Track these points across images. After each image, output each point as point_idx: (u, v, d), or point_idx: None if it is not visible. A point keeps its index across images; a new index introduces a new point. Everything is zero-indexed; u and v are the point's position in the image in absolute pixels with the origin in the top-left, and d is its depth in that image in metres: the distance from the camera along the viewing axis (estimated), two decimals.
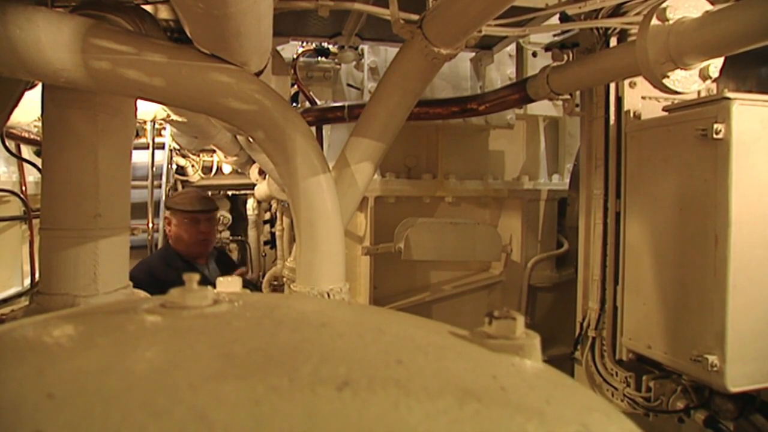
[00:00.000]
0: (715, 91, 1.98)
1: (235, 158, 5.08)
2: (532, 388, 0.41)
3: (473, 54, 2.98)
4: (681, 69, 1.41)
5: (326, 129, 3.02)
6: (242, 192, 7.78)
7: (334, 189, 1.59)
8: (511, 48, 3.02)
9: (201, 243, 2.75)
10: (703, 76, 1.44)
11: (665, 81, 1.41)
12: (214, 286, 2.27)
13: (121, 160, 1.59)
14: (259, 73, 1.58)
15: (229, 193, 8.17)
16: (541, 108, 3.02)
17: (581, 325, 2.04)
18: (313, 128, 3.11)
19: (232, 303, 0.48)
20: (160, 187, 4.00)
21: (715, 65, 1.44)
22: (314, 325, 0.44)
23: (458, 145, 3.05)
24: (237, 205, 8.53)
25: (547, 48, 2.57)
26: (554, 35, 2.58)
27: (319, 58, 3.06)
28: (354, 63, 3.06)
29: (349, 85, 3.13)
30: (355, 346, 0.40)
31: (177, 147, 4.86)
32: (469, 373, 0.40)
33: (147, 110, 3.13)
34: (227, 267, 3.00)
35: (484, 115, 2.87)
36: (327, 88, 3.16)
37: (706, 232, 1.52)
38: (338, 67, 3.11)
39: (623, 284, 1.85)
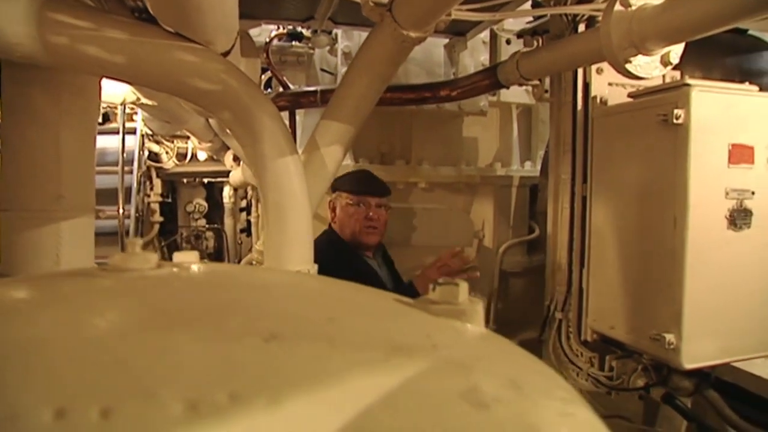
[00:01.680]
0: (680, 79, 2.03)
1: (209, 144, 5.01)
2: (466, 346, 0.42)
3: (447, 40, 2.99)
4: (643, 55, 1.44)
5: (300, 114, 3.00)
6: (218, 179, 7.69)
7: (302, 171, 1.59)
8: (485, 35, 3.03)
9: (369, 232, 2.26)
10: (664, 62, 1.47)
11: (628, 66, 1.43)
12: (384, 286, 2.18)
13: (85, 141, 1.56)
14: (226, 54, 1.56)
15: (205, 180, 8.07)
16: (515, 95, 3.05)
17: (548, 307, 2.09)
18: (286, 113, 3.10)
19: (176, 267, 0.48)
20: (131, 173, 3.93)
21: (675, 52, 1.47)
22: (253, 287, 0.45)
23: (432, 132, 3.06)
24: (213, 192, 8.43)
25: (519, 35, 2.59)
26: (527, 22, 2.60)
27: (293, 43, 3.04)
28: (328, 48, 3.04)
29: (323, 70, 3.11)
30: (290, 306, 0.40)
31: (150, 133, 4.79)
32: (403, 332, 0.41)
33: (116, 93, 3.07)
34: (391, 264, 2.50)
35: (457, 102, 2.89)
36: (301, 73, 3.13)
37: (666, 216, 1.56)
38: (312, 51, 3.08)
39: (588, 267, 1.89)
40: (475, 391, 0.33)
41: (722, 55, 2.90)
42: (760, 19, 2.14)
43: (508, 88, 3.01)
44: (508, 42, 3.05)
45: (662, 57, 1.47)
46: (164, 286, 0.43)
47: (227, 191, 7.57)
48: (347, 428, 0.27)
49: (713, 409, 1.74)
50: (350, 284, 0.60)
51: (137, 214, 3.89)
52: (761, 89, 1.67)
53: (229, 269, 0.57)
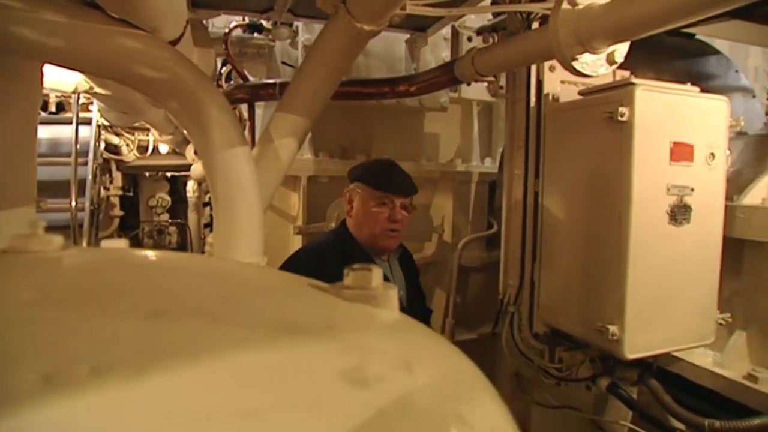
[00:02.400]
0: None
1: (170, 137, 4.90)
2: (365, 329, 0.42)
3: (408, 36, 3.00)
4: (589, 53, 1.47)
5: (260, 107, 2.96)
6: (182, 173, 7.53)
7: (251, 161, 1.57)
8: (447, 32, 3.05)
9: (390, 236, 1.95)
10: (610, 60, 1.51)
11: (574, 63, 1.46)
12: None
13: (25, 129, 1.51)
14: (175, 42, 1.53)
15: (168, 174, 7.88)
16: (476, 92, 3.08)
17: (501, 301, 2.12)
18: (246, 105, 3.06)
19: (81, 250, 0.47)
20: (85, 164, 3.81)
21: (620, 51, 1.51)
22: (156, 269, 0.44)
23: (393, 127, 3.07)
24: (177, 187, 8.25)
25: (479, 32, 2.62)
26: (488, 20, 2.63)
27: (255, 35, 3.01)
28: (289, 40, 3.01)
29: (283, 62, 3.08)
30: (187, 286, 0.40)
31: (108, 124, 4.65)
32: (301, 313, 0.41)
33: (67, 81, 2.97)
34: (412, 269, 2.23)
35: (417, 97, 2.90)
36: (262, 66, 3.10)
37: (611, 210, 1.60)
38: (273, 44, 3.05)
39: (540, 261, 1.93)
40: (357, 370, 0.33)
41: (673, 59, 2.99)
42: (699, 21, 2.22)
43: (464, 83, 3.07)
44: (469, 39, 3.07)
45: (608, 56, 1.51)
46: (60, 267, 0.42)
47: (191, 185, 7.41)
48: (211, 403, 0.26)
49: (654, 397, 1.80)
50: (275, 271, 0.59)
51: (92, 207, 3.77)
52: (703, 91, 1.73)
53: (140, 254, 0.56)
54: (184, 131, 2.49)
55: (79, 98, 3.57)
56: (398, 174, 2.00)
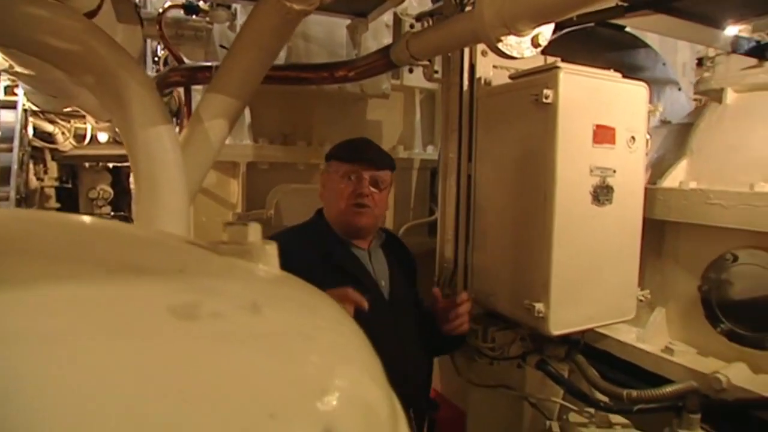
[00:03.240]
0: None
1: (107, 124, 4.68)
2: (222, 275, 0.41)
3: (349, 21, 2.98)
4: (514, 35, 1.50)
5: (197, 91, 2.88)
6: (125, 164, 7.22)
7: (177, 141, 1.52)
8: (389, 18, 3.04)
9: (356, 211, 1.70)
10: (534, 43, 1.54)
11: (500, 45, 1.49)
12: (375, 287, 1.73)
13: None
14: (91, 15, 1.46)
15: (110, 165, 7.55)
16: (418, 80, 3.09)
17: (437, 283, 2.14)
18: (182, 89, 2.97)
19: None
20: (10, 151, 3.60)
21: (544, 35, 1.54)
22: (27, 221, 0.41)
23: (335, 113, 3.05)
24: (120, 178, 7.93)
25: (418, 18, 2.62)
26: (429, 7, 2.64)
27: (193, 17, 2.92)
28: (227, 23, 2.94)
29: (222, 46, 3.00)
30: (46, 234, 0.37)
31: (37, 109, 4.41)
32: (154, 259, 0.39)
33: None
34: (403, 260, 1.91)
35: (358, 84, 2.90)
36: (199, 49, 3.01)
37: (538, 191, 1.64)
38: (211, 27, 2.97)
39: (473, 243, 1.96)
40: (191, 307, 0.32)
41: (606, 50, 3.10)
42: (624, 12, 2.30)
43: (407, 71, 3.08)
44: (411, 26, 3.08)
45: (533, 39, 1.54)
46: None
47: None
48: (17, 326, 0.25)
49: (580, 371, 1.87)
50: (166, 232, 0.57)
51: (18, 197, 3.57)
52: (624, 77, 1.80)
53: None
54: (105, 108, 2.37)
55: None
56: (370, 147, 1.82)
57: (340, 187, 1.73)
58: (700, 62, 4.45)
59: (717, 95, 2.11)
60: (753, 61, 2.30)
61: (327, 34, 2.96)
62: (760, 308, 1.79)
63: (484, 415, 2.30)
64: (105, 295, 0.30)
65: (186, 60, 2.80)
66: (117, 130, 4.19)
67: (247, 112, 2.88)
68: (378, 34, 3.08)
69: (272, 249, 0.52)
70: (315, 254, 1.63)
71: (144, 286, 0.33)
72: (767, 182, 1.76)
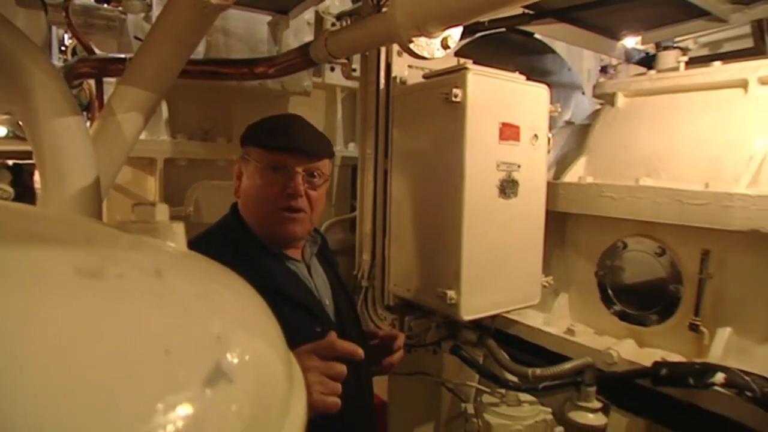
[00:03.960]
0: None
1: (6, 116, 4.38)
2: (127, 247, 0.44)
3: (270, 18, 2.98)
4: (425, 37, 1.58)
5: (110, 85, 2.77)
6: (28, 161, 6.72)
7: (87, 133, 1.47)
8: (310, 16, 3.07)
9: (286, 218, 1.37)
10: (444, 45, 1.63)
11: (411, 46, 1.57)
12: (318, 305, 1.40)
13: None
14: None
15: (9, 162, 6.99)
16: (339, 78, 3.14)
17: (356, 277, 2.20)
18: (95, 82, 2.85)
19: None
20: None
21: (453, 37, 1.64)
22: None
23: (256, 110, 3.01)
24: (21, 177, 7.36)
25: (338, 17, 2.67)
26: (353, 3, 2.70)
27: (105, 5, 2.81)
28: (142, 14, 2.85)
29: (136, 38, 2.90)
30: None
31: None
32: (62, 233, 0.42)
33: None
34: (334, 265, 1.66)
35: (279, 81, 2.90)
36: (112, 39, 2.90)
37: (448, 185, 1.74)
38: (124, 17, 2.86)
39: (390, 236, 2.04)
40: (96, 269, 0.35)
41: (516, 55, 3.30)
42: (529, 20, 2.47)
43: (329, 69, 3.12)
44: (333, 25, 3.13)
45: (442, 40, 1.63)
46: None
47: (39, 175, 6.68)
48: None
49: (491, 354, 2.00)
50: (77, 215, 0.58)
51: None
52: (529, 79, 1.94)
53: None
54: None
55: None
56: (301, 128, 1.43)
57: (262, 184, 1.36)
58: (603, 69, 4.82)
59: (610, 99, 2.31)
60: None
61: (247, 30, 2.94)
62: (644, 290, 2.00)
63: (405, 402, 2.40)
64: (15, 258, 0.33)
65: (97, 51, 2.69)
66: (20, 123, 3.93)
67: (164, 106, 2.81)
68: (299, 31, 3.10)
69: (179, 228, 0.55)
70: (244, 271, 1.26)
71: (52, 252, 0.36)
72: (650, 177, 1.97)
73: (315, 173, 1.40)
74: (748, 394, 1.48)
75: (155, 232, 0.52)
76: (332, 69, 3.15)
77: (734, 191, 1.68)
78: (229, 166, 2.94)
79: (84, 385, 0.26)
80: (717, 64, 1.98)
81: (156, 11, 2.82)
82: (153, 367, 0.29)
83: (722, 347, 1.76)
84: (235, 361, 0.34)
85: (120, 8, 2.79)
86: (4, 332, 0.26)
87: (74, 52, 3.08)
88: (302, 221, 1.38)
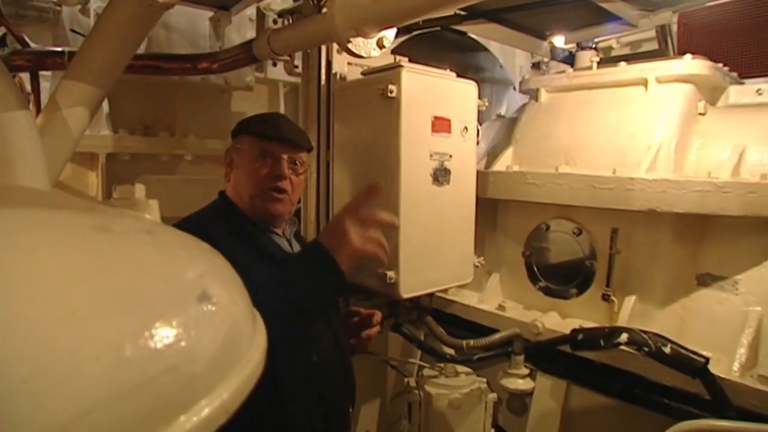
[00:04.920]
0: None
1: None
2: (119, 214, 0.55)
3: (212, 13, 3.02)
4: (362, 37, 1.72)
5: (46, 80, 2.73)
6: None
7: (34, 126, 1.51)
8: (252, 12, 3.13)
9: (273, 197, 1.56)
10: (380, 44, 1.78)
11: (349, 46, 1.70)
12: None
13: None
14: None
15: None
16: (281, 73, 3.21)
17: None
18: (29, 75, 2.80)
19: None
20: None
21: (388, 37, 1.79)
22: None
23: (199, 104, 3.07)
24: None
25: (280, 14, 2.76)
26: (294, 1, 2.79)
27: None
28: (79, 6, 2.83)
29: (73, 30, 2.87)
30: None
31: None
32: (69, 203, 0.52)
33: None
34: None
35: (222, 76, 2.96)
36: (46, 31, 2.85)
37: (386, 174, 1.88)
38: (59, 8, 2.83)
39: None
40: (106, 227, 0.47)
41: (451, 52, 3.48)
42: (460, 20, 2.65)
43: (271, 64, 3.20)
44: (275, 21, 3.20)
45: (378, 40, 1.77)
46: None
47: None
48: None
49: (429, 330, 2.17)
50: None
51: None
52: (471, 79, 2.11)
53: None
54: None
55: None
56: (287, 123, 1.66)
57: (253, 168, 1.55)
58: (535, 65, 5.12)
59: (534, 94, 2.53)
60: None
61: (189, 25, 2.97)
62: (565, 267, 2.22)
63: None
64: (50, 218, 0.44)
65: (31, 43, 2.66)
66: None
67: (104, 101, 2.80)
68: (241, 27, 3.15)
69: (155, 203, 0.66)
70: (236, 238, 1.48)
71: (72, 215, 0.47)
72: (568, 164, 2.19)
73: (297, 162, 1.62)
74: (645, 349, 1.71)
75: (135, 207, 0.63)
76: (274, 64, 3.22)
77: (635, 176, 1.92)
78: (172, 161, 2.98)
79: (117, 295, 0.38)
80: (623, 64, 2.22)
81: (94, 4, 2.81)
82: (161, 288, 0.41)
83: (628, 313, 2.00)
84: (215, 290, 0.46)
85: (54, 0, 2.75)
86: (52, 266, 0.38)
87: (4, 43, 3.01)
88: (285, 201, 1.60)
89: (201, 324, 0.42)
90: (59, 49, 2.57)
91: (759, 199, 1.77)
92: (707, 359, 1.66)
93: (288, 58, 2.22)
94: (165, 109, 3.01)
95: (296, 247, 1.70)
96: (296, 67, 2.26)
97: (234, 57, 2.40)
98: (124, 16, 1.78)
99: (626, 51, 4.26)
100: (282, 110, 3.35)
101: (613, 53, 4.17)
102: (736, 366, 1.71)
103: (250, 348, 0.50)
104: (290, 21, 2.26)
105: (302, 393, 1.46)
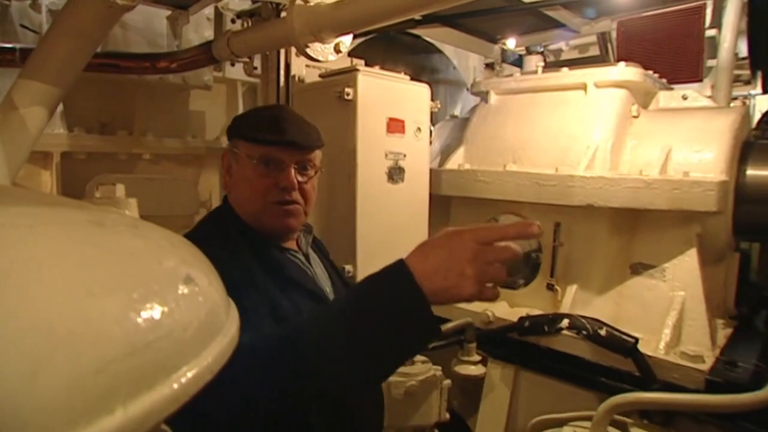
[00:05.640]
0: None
1: None
2: (108, 211, 0.63)
3: (170, 12, 3.02)
4: (320, 42, 1.80)
5: None
6: None
7: None
8: (210, 12, 3.15)
9: (281, 212, 1.32)
10: (337, 49, 1.87)
11: (308, 50, 1.78)
12: (321, 293, 1.32)
13: None
14: None
15: None
16: (239, 73, 3.25)
17: None
18: None
19: None
20: None
21: (344, 42, 1.88)
22: None
23: (157, 103, 3.07)
24: None
25: (239, 15, 2.81)
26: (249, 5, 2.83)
27: None
28: (29, 1, 2.79)
29: (23, 26, 2.83)
30: None
31: None
32: (61, 201, 0.60)
33: None
34: (327, 256, 1.61)
35: (180, 75, 2.97)
36: None
37: (344, 173, 1.98)
38: (8, 3, 2.78)
39: None
40: (99, 221, 0.54)
41: (407, 54, 3.60)
42: (414, 24, 2.76)
43: (229, 64, 3.23)
44: (233, 21, 3.23)
45: (335, 45, 1.86)
46: None
47: None
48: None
49: None
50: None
51: None
52: (426, 82, 2.23)
53: None
54: None
55: None
56: (290, 120, 1.37)
57: (254, 178, 1.30)
58: (490, 65, 5.30)
59: (485, 96, 2.67)
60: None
61: (146, 24, 2.97)
62: (513, 259, 2.37)
63: None
64: (52, 215, 0.51)
65: None
66: None
67: None
68: (199, 26, 3.17)
69: (134, 201, 0.74)
70: (255, 262, 1.25)
71: (69, 211, 0.55)
72: (515, 163, 2.34)
73: (307, 165, 1.37)
74: (584, 333, 1.88)
75: (117, 204, 0.71)
76: (233, 64, 3.25)
77: (575, 174, 2.08)
78: (130, 159, 2.98)
79: (123, 276, 0.46)
80: (565, 70, 2.38)
81: (46, 0, 2.78)
82: (155, 271, 0.50)
83: (570, 300, 2.17)
84: (196, 274, 0.55)
85: None
86: (54, 257, 0.46)
87: None
88: (297, 213, 1.35)
89: (188, 301, 0.51)
90: (9, 45, 2.54)
91: (682, 194, 1.95)
92: (637, 340, 1.83)
93: (247, 59, 2.28)
94: (122, 107, 3.00)
95: (314, 260, 1.47)
96: (255, 68, 2.32)
97: (193, 57, 2.44)
98: (84, 16, 1.80)
99: (575, 53, 4.49)
100: (240, 109, 3.38)
101: (563, 56, 4.40)
102: (662, 345, 1.88)
103: (227, 323, 0.59)
104: (249, 23, 2.32)
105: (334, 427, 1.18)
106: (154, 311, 0.44)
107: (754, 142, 2.19)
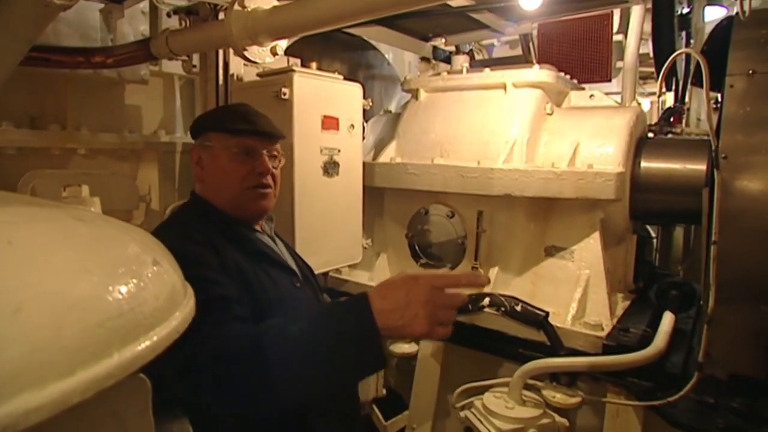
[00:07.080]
0: (314, 67, 2.64)
1: None
2: (88, 211, 0.75)
3: (103, 5, 3.00)
4: (257, 45, 1.91)
5: None
6: None
7: None
8: (145, 5, 3.14)
9: (258, 195, 1.51)
10: (273, 52, 1.98)
11: (245, 53, 1.89)
12: (289, 269, 1.55)
13: None
14: None
15: None
16: (176, 67, 3.26)
17: None
18: None
19: None
20: None
21: (281, 45, 1.99)
22: None
23: (91, 97, 3.04)
24: None
25: (175, 11, 2.84)
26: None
27: None
28: None
29: None
30: None
31: None
32: (41, 202, 0.71)
33: None
34: (286, 243, 1.77)
35: (115, 69, 2.97)
36: None
37: (284, 167, 2.10)
38: None
39: None
40: (79, 217, 0.67)
41: (343, 51, 3.73)
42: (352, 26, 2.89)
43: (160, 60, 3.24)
44: (169, 15, 3.23)
45: (272, 48, 1.98)
46: None
47: None
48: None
49: None
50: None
51: None
52: (362, 77, 2.37)
53: None
54: None
55: None
56: (256, 114, 1.57)
57: (232, 167, 1.47)
58: (424, 59, 5.49)
59: (415, 93, 2.85)
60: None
61: (78, 17, 2.93)
62: (441, 245, 2.58)
63: None
64: (41, 213, 0.63)
65: None
66: None
67: None
68: (134, 20, 3.15)
69: (97, 200, 0.86)
70: (228, 241, 1.41)
71: (53, 209, 0.66)
72: (442, 157, 2.53)
73: (275, 153, 1.59)
74: (502, 309, 2.10)
75: (83, 203, 0.82)
76: (159, 59, 3.26)
77: (495, 166, 2.30)
78: (64, 154, 2.95)
79: (107, 259, 0.59)
80: (487, 70, 2.60)
81: None
82: (131, 256, 0.63)
83: (493, 281, 2.40)
84: (160, 258, 0.68)
85: None
86: (54, 244, 0.59)
87: None
88: (270, 196, 1.56)
89: (157, 278, 0.64)
90: None
91: (586, 184, 2.21)
92: (547, 313, 2.08)
93: (186, 58, 2.34)
94: (53, 101, 2.95)
95: (280, 245, 1.67)
96: (194, 66, 2.39)
97: (130, 53, 2.48)
98: (18, 15, 1.82)
99: (506, 49, 4.76)
100: (177, 104, 3.40)
101: (495, 52, 4.68)
102: (569, 317, 2.14)
103: (185, 297, 0.73)
104: (187, 22, 2.38)
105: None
106: (133, 284, 0.58)
107: (648, 138, 2.49)
